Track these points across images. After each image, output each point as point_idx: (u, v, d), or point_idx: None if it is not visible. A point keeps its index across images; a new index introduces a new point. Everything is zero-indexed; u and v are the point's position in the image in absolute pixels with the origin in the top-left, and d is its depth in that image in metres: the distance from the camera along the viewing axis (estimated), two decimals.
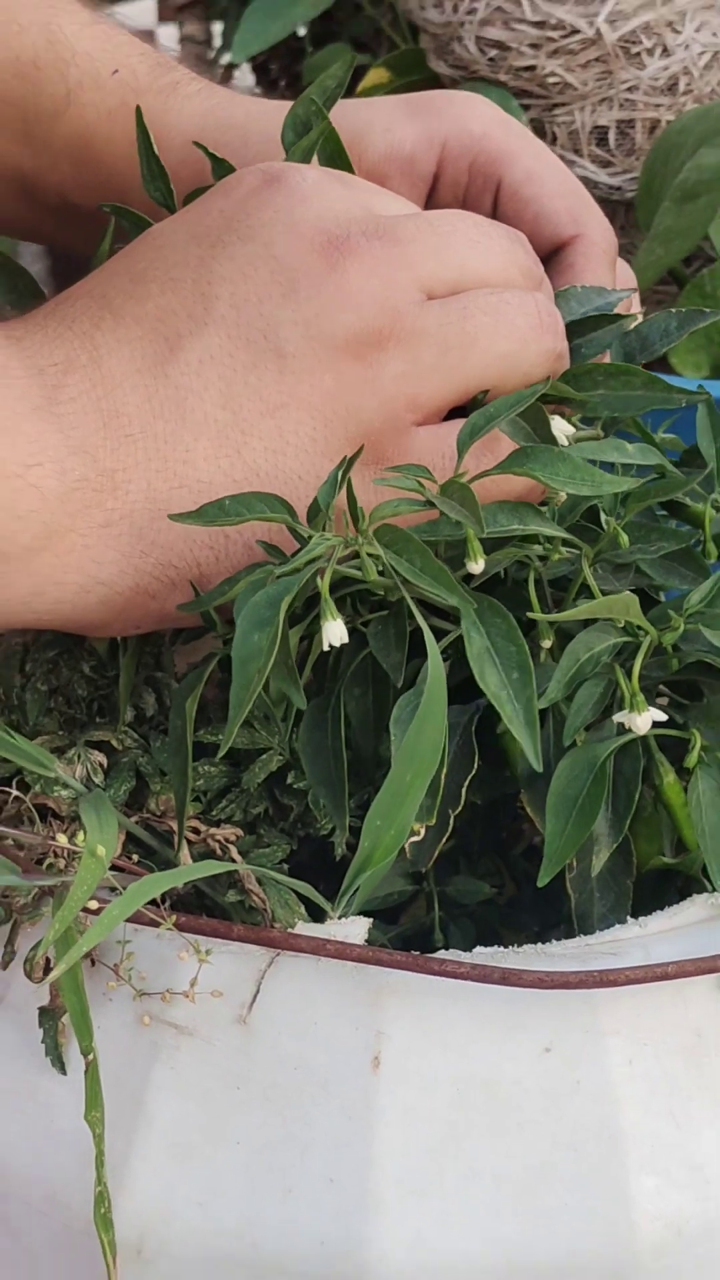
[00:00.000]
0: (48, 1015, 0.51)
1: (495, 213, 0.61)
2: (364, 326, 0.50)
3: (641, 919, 0.51)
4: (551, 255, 0.60)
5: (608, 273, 0.60)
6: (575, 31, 0.81)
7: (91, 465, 0.49)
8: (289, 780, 0.55)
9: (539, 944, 0.50)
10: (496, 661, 0.49)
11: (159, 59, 0.68)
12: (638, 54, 0.80)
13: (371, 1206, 0.48)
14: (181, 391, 0.50)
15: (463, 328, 0.51)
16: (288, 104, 0.62)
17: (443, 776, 0.51)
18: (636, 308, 0.62)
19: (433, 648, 0.48)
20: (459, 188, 0.62)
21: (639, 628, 0.51)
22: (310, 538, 0.49)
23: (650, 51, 0.80)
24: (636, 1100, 0.48)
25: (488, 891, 0.58)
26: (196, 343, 0.50)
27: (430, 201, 0.63)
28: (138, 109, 0.61)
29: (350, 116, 0.61)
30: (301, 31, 1.08)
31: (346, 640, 0.50)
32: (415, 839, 0.52)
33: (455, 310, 0.51)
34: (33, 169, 0.68)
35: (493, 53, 0.82)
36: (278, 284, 0.50)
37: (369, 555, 0.49)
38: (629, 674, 0.51)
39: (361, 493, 0.49)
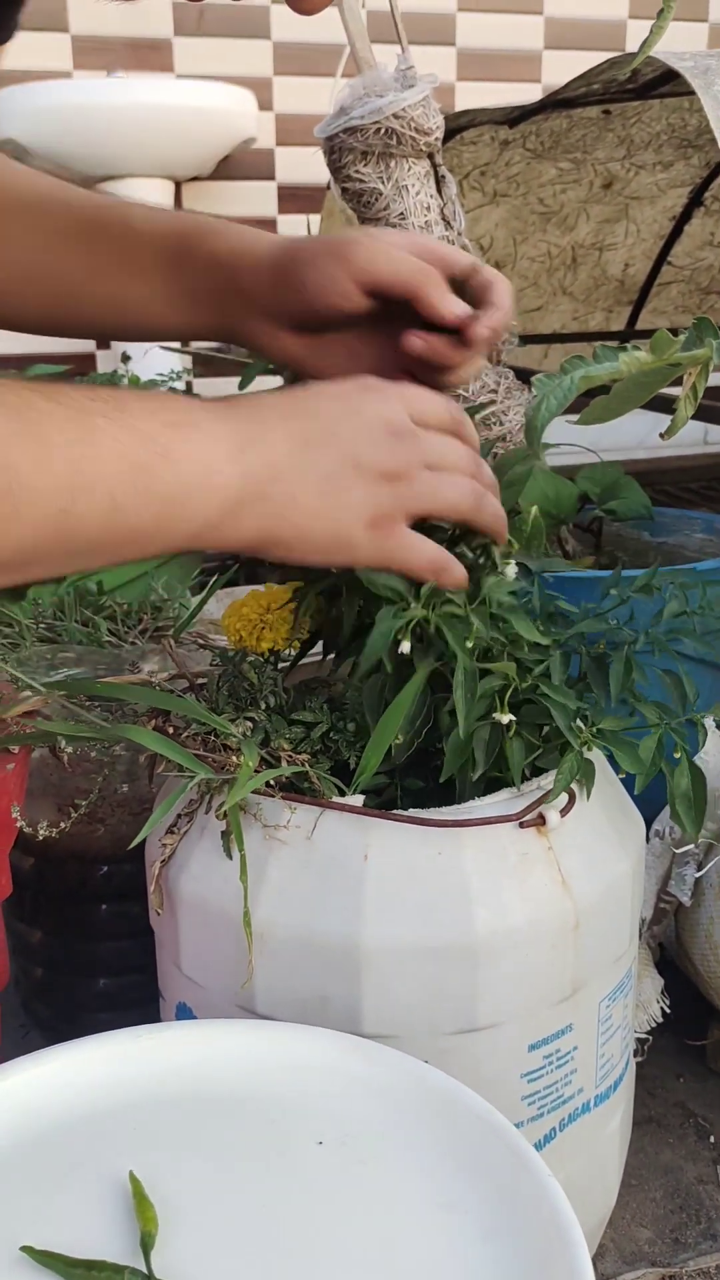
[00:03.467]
0: (224, 835, 0.59)
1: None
2: (393, 469, 0.56)
3: (481, 798, 0.59)
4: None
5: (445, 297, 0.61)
6: None
7: (259, 491, 0.53)
8: (331, 734, 0.62)
9: (439, 808, 0.58)
10: (464, 680, 0.58)
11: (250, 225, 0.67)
12: (489, 424, 0.89)
13: (363, 917, 0.56)
14: (306, 468, 0.54)
15: (436, 486, 0.57)
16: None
17: (407, 732, 0.60)
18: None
19: (413, 683, 0.59)
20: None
21: (512, 677, 0.60)
22: (409, 607, 0.58)
23: (494, 424, 0.90)
24: (476, 874, 0.56)
25: (420, 784, 0.63)
26: (320, 450, 0.54)
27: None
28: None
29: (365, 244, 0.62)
30: None
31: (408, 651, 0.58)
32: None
33: (436, 479, 0.57)
34: (180, 295, 0.68)
35: None
36: (367, 438, 0.55)
37: (434, 620, 0.58)
38: (501, 700, 0.59)
39: (373, 546, 0.56)
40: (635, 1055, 0.73)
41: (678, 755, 0.59)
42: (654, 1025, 0.80)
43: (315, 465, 0.55)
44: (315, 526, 0.55)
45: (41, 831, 0.68)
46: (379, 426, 0.56)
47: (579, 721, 0.60)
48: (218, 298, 0.67)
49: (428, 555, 0.58)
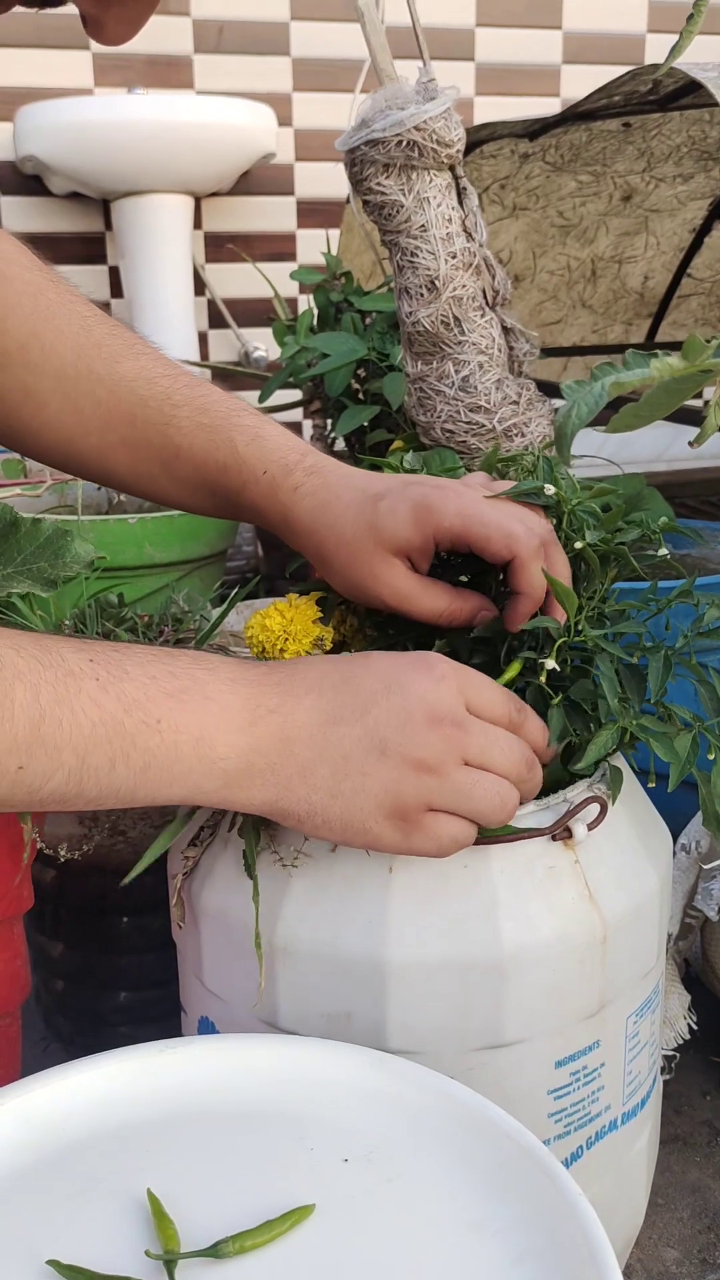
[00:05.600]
0: (244, 854, 0.58)
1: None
2: (425, 759, 0.51)
3: None
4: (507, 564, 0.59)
5: (536, 572, 0.58)
6: (484, 426, 0.89)
7: (267, 763, 0.51)
8: None
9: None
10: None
11: (287, 461, 0.64)
12: (511, 436, 0.89)
13: (387, 932, 0.55)
14: (325, 744, 0.51)
15: (471, 787, 0.52)
16: (364, 491, 0.61)
17: None
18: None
19: None
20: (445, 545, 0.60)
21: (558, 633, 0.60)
22: None
23: (516, 436, 0.89)
24: (503, 887, 0.56)
25: None
26: (345, 727, 0.51)
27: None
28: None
29: (386, 521, 0.60)
30: (365, 424, 1.20)
31: None
32: None
33: (472, 780, 0.53)
34: (232, 514, 0.68)
35: (446, 436, 0.89)
36: (400, 721, 0.52)
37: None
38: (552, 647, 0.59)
39: (392, 834, 0.52)
40: (662, 1072, 0.71)
41: (711, 757, 0.58)
42: (680, 1042, 0.79)
43: (336, 743, 0.51)
44: (329, 806, 0.52)
45: (63, 854, 0.67)
46: (420, 711, 0.52)
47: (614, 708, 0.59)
48: (267, 530, 0.66)
49: (450, 841, 0.53)
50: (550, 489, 0.60)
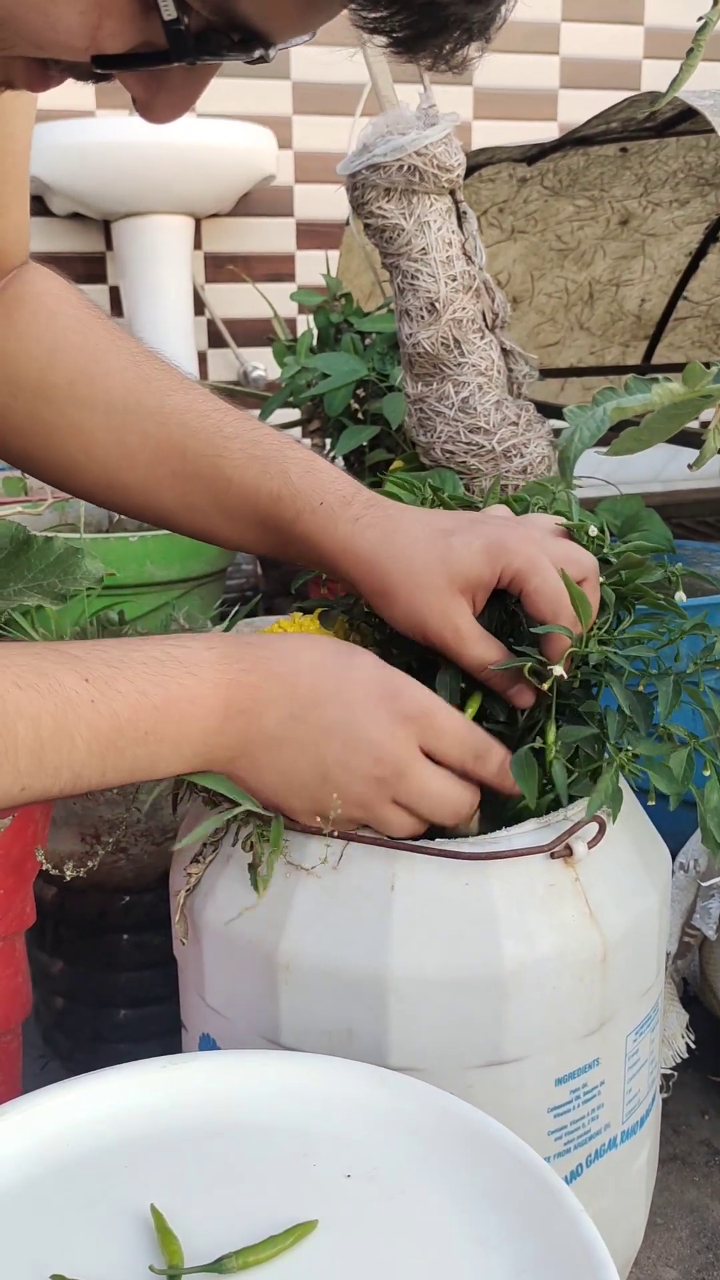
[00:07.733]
0: (251, 867, 0.59)
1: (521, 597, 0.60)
2: (355, 799, 0.56)
3: (506, 829, 0.58)
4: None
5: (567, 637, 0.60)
6: (484, 447, 0.90)
7: (227, 757, 0.56)
8: None
9: (466, 838, 0.58)
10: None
11: (344, 493, 0.64)
12: (511, 456, 0.90)
13: (389, 948, 0.56)
14: (275, 758, 0.56)
15: (389, 821, 0.57)
16: (432, 526, 0.61)
17: None
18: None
19: None
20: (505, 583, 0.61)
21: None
22: None
23: (515, 456, 0.90)
24: (503, 905, 0.56)
25: None
26: (298, 752, 0.56)
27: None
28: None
29: (459, 555, 0.60)
30: (364, 444, 1.21)
31: None
32: None
33: (394, 816, 0.57)
34: (278, 549, 0.67)
35: (446, 456, 0.91)
36: (346, 763, 0.56)
37: None
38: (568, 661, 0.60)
39: (312, 819, 0.58)
40: (660, 1091, 0.71)
41: (707, 773, 0.58)
42: (679, 1061, 0.79)
43: (285, 761, 0.56)
44: (263, 794, 0.57)
45: (68, 872, 0.67)
46: (367, 754, 0.55)
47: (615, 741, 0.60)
48: (314, 565, 0.66)
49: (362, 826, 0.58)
50: (594, 529, 0.61)
